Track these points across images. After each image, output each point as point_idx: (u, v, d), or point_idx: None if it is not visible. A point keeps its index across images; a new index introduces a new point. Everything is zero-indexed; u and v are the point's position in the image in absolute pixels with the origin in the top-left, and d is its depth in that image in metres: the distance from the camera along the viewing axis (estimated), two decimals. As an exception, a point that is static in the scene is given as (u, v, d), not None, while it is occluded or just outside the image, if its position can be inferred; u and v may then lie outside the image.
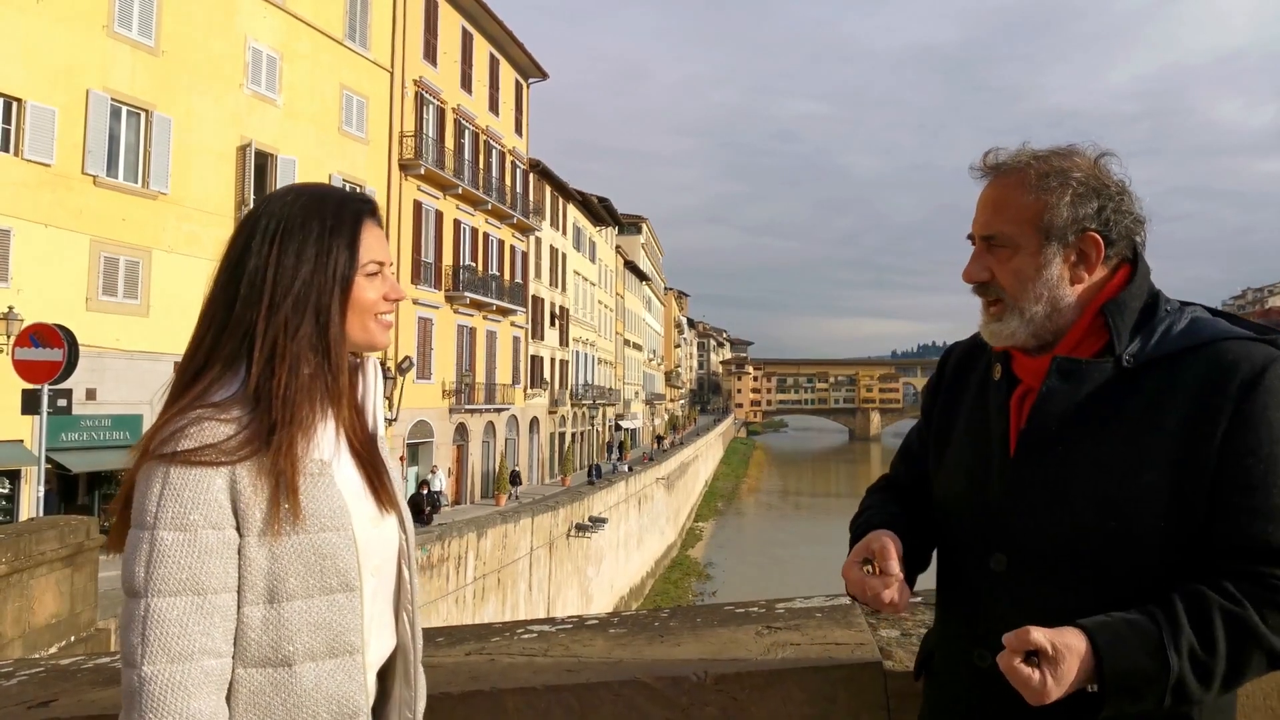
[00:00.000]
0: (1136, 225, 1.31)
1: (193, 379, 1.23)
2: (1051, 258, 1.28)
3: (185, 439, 1.15)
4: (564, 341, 46.18)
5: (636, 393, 72.07)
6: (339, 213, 1.30)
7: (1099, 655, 1.10)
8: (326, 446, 1.27)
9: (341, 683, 1.22)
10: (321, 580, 1.20)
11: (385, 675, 1.37)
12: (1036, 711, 1.21)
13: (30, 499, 16.09)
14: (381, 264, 1.34)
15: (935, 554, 1.45)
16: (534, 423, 40.93)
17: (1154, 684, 1.10)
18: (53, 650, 7.91)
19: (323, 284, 1.26)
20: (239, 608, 1.16)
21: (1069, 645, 1.10)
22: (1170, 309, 1.28)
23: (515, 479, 35.72)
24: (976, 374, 1.43)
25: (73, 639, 8.35)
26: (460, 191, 31.90)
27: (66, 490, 18.88)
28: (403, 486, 1.42)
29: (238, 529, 1.16)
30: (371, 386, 1.40)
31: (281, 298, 1.24)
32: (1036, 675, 1.09)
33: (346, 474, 1.30)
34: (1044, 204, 1.27)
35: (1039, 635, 1.10)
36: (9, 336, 14.46)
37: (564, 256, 46.25)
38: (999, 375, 1.37)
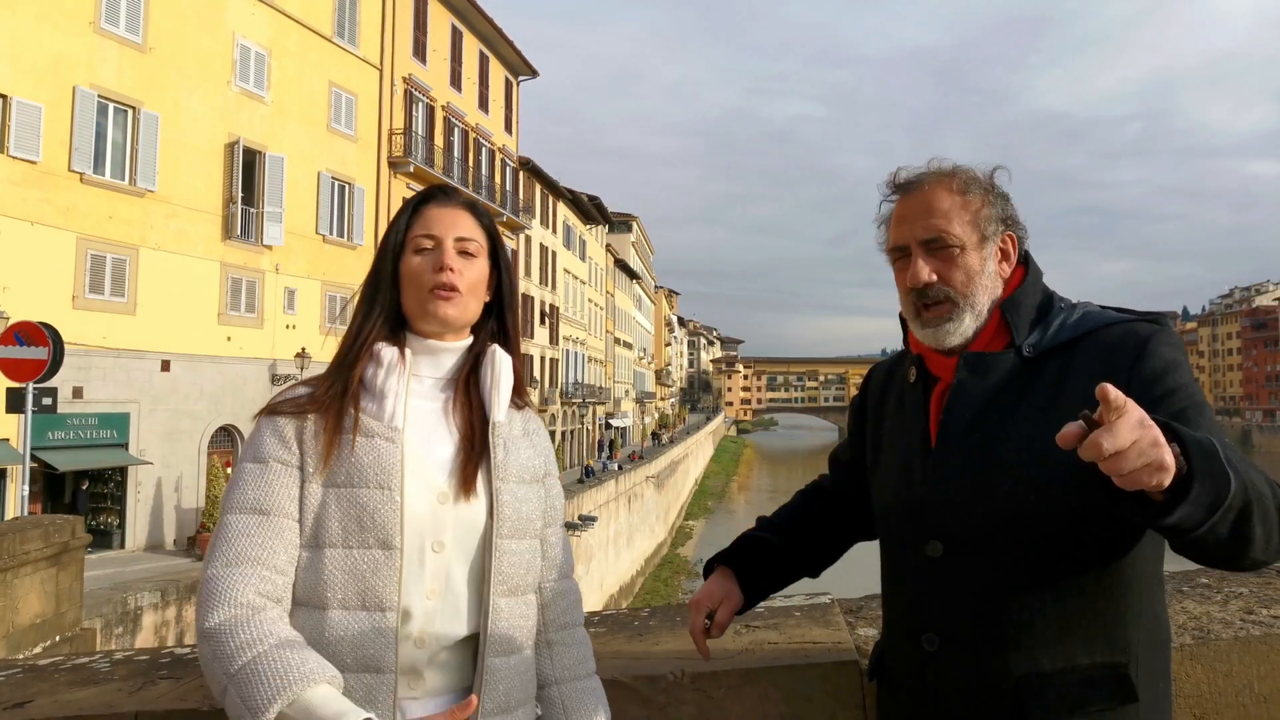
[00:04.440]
0: (1025, 232, 1.44)
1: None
2: (989, 255, 1.39)
3: (279, 399, 1.38)
4: (554, 340, 46.15)
5: (627, 391, 72.09)
6: (412, 200, 1.47)
7: (1172, 430, 1.02)
8: (399, 412, 1.34)
9: (368, 635, 1.26)
10: (360, 534, 1.28)
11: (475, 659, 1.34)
12: (985, 695, 1.27)
13: (15, 497, 15.97)
14: (435, 238, 1.42)
15: (879, 555, 1.53)
16: (524, 421, 40.79)
17: (1216, 464, 1.01)
18: (37, 650, 7.86)
19: (382, 255, 1.44)
20: None
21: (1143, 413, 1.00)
22: (1064, 305, 1.39)
23: None
24: (896, 386, 1.53)
25: (57, 639, 8.30)
26: (450, 189, 31.77)
27: (53, 488, 18.77)
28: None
29: (301, 469, 1.31)
30: (502, 375, 1.44)
31: (369, 276, 1.45)
32: (1125, 403, 0.96)
33: (432, 447, 1.36)
34: (976, 205, 1.39)
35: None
36: (-6, 334, 14.36)
37: (554, 254, 46.20)
38: (914, 378, 1.47)
